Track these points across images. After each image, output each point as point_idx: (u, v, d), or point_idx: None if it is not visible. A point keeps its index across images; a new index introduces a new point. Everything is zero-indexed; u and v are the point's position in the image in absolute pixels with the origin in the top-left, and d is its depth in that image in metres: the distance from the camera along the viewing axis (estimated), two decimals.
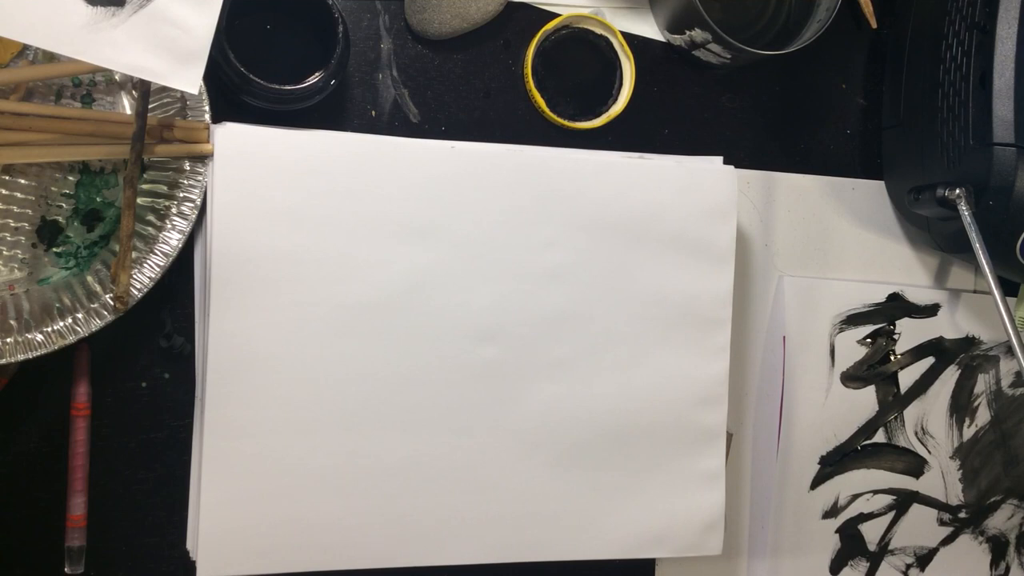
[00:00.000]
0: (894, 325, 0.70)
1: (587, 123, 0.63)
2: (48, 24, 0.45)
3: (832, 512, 0.68)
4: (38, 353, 0.50)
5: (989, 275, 0.58)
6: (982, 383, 0.72)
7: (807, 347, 0.67)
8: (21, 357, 0.49)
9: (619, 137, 0.65)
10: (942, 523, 0.71)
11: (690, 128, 0.67)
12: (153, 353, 0.56)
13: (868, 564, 0.70)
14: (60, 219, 0.54)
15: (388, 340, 0.56)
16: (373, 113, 0.60)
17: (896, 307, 0.70)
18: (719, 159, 0.64)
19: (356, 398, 0.55)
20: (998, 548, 0.73)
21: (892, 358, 0.70)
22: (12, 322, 0.50)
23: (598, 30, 0.64)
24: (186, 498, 0.56)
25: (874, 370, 0.69)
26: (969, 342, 0.71)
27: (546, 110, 0.62)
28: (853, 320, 0.68)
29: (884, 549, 0.70)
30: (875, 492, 0.69)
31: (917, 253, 0.72)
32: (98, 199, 0.54)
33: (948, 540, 0.72)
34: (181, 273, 0.55)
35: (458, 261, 0.57)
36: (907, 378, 0.70)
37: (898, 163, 0.69)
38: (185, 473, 0.56)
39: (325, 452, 0.55)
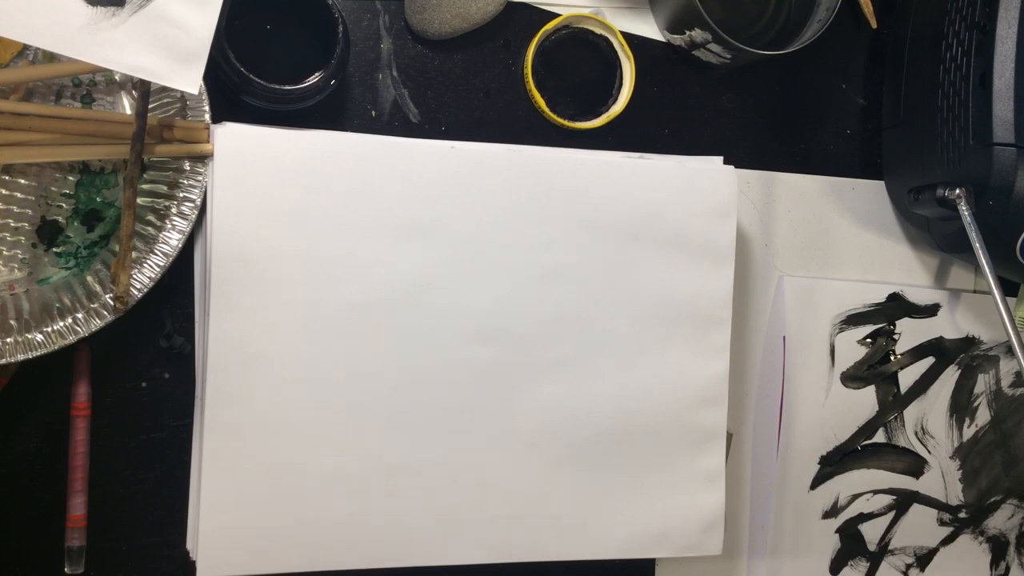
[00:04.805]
0: (894, 325, 0.70)
1: (587, 123, 0.63)
2: (48, 24, 0.45)
3: (832, 512, 0.68)
4: (38, 353, 0.50)
5: (989, 275, 0.58)
6: (982, 383, 0.72)
7: (807, 347, 0.67)
8: (21, 357, 0.49)
9: (619, 137, 0.65)
10: (942, 523, 0.71)
11: (690, 128, 0.67)
12: (153, 353, 0.56)
13: (868, 564, 0.70)
14: (60, 219, 0.54)
15: (388, 340, 0.56)
16: (373, 113, 0.60)
17: (896, 307, 0.70)
18: (719, 159, 0.64)
19: (356, 398, 0.55)
20: (998, 548, 0.73)
21: (892, 358, 0.70)
22: (12, 322, 0.50)
23: (598, 30, 0.64)
24: (186, 498, 0.56)
25: (874, 370, 0.69)
26: (969, 342, 0.71)
27: (546, 110, 0.62)
28: (853, 320, 0.68)
29: (884, 549, 0.70)
30: (875, 492, 0.69)
31: (917, 253, 0.72)
32: (98, 199, 0.54)
33: (948, 540, 0.72)
34: (181, 273, 0.55)
35: (458, 261, 0.57)
36: (907, 378, 0.70)
37: (898, 163, 0.69)
38: (185, 473, 0.56)
39: (325, 452, 0.55)
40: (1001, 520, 0.73)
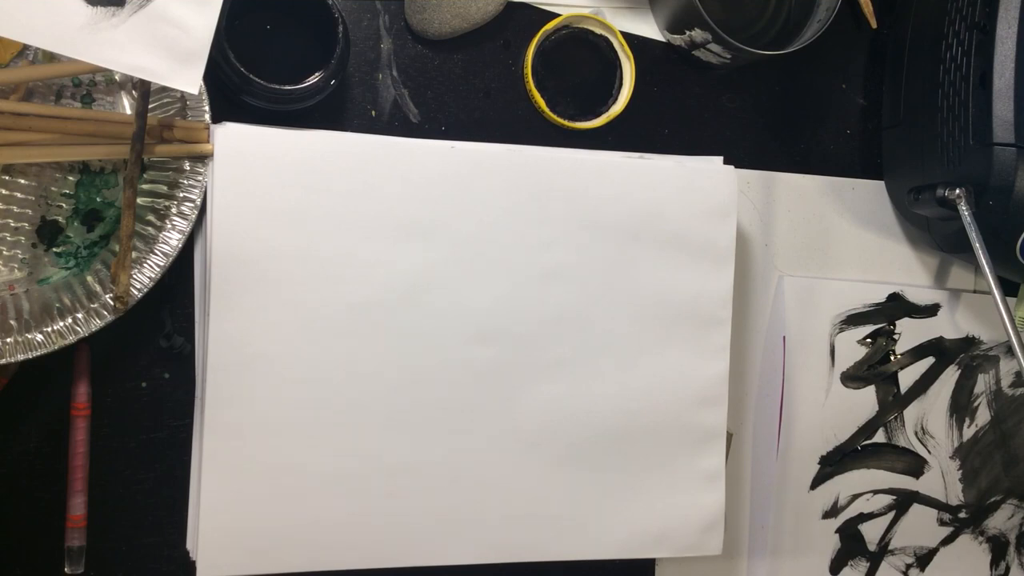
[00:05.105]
0: (894, 325, 0.70)
1: (587, 123, 0.63)
2: (48, 24, 0.45)
3: (832, 512, 0.68)
4: (38, 353, 0.50)
5: (989, 275, 0.58)
6: (982, 383, 0.72)
7: (807, 347, 0.67)
8: (21, 357, 0.49)
9: (619, 137, 0.65)
10: (942, 523, 0.71)
11: (690, 128, 0.67)
12: (153, 353, 0.56)
13: (868, 564, 0.70)
14: (60, 219, 0.54)
15: (388, 340, 0.56)
16: (373, 113, 0.60)
17: (896, 307, 0.70)
18: (719, 159, 0.64)
19: (356, 398, 0.55)
20: (998, 548, 0.73)
21: (892, 358, 0.70)
22: (12, 322, 0.50)
23: (598, 30, 0.64)
24: (186, 498, 0.56)
25: (874, 370, 0.69)
26: (969, 342, 0.71)
27: (546, 110, 0.62)
28: (853, 320, 0.68)
29: (884, 549, 0.70)
30: (875, 492, 0.69)
31: (917, 253, 0.72)
32: (98, 199, 0.54)
33: (948, 540, 0.72)
34: (181, 273, 0.55)
35: (458, 261, 0.57)
36: (907, 378, 0.70)
37: (898, 163, 0.69)
38: (185, 473, 0.56)
39: (325, 452, 0.55)
40: (1001, 520, 0.73)
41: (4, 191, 0.52)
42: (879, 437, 0.69)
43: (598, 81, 0.64)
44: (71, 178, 0.54)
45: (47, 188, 0.53)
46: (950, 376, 0.71)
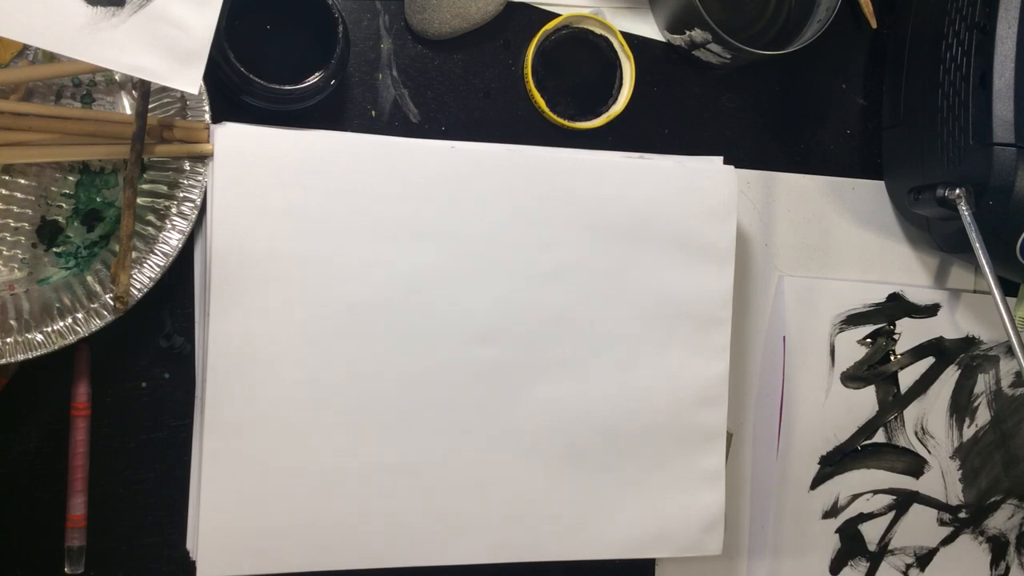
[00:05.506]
0: (894, 325, 0.70)
1: (587, 123, 0.63)
2: (48, 24, 0.45)
3: (832, 512, 0.68)
4: (38, 353, 0.50)
5: (989, 275, 0.58)
6: (982, 383, 0.72)
7: (807, 347, 0.67)
8: (21, 357, 0.49)
9: (619, 137, 0.65)
10: (942, 523, 0.71)
11: (690, 128, 0.67)
12: (153, 353, 0.56)
13: (868, 564, 0.70)
14: (60, 219, 0.54)
15: (388, 340, 0.56)
16: (373, 113, 0.60)
17: (896, 307, 0.70)
18: (719, 159, 0.64)
19: (356, 398, 0.55)
20: (998, 548, 0.73)
21: (892, 358, 0.70)
22: (12, 322, 0.50)
23: (598, 30, 0.64)
24: (186, 498, 0.56)
25: (874, 370, 0.69)
26: (969, 342, 0.71)
27: (546, 110, 0.62)
28: (853, 320, 0.68)
29: (884, 549, 0.70)
30: (875, 492, 0.69)
31: (917, 253, 0.72)
32: (98, 199, 0.54)
33: (948, 540, 0.72)
34: (181, 273, 0.55)
35: (458, 261, 0.57)
36: (907, 378, 0.70)
37: (898, 163, 0.69)
38: (185, 473, 0.56)
39: (325, 452, 0.55)
40: (1001, 520, 0.73)
41: (4, 191, 0.52)
42: (879, 437, 0.69)
43: (598, 81, 0.64)
44: (71, 178, 0.54)
45: (47, 188, 0.53)
46: (950, 376, 0.71)
